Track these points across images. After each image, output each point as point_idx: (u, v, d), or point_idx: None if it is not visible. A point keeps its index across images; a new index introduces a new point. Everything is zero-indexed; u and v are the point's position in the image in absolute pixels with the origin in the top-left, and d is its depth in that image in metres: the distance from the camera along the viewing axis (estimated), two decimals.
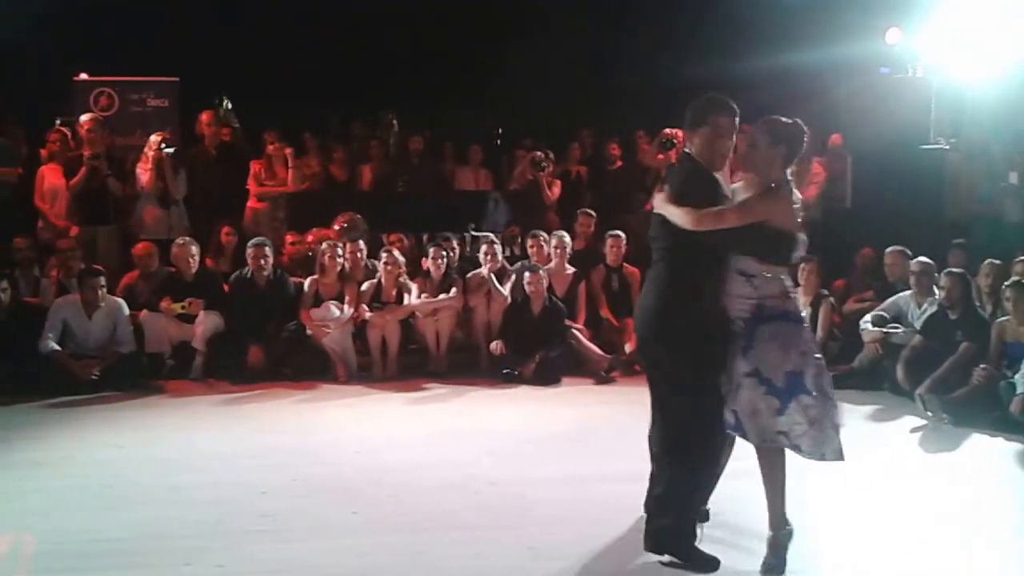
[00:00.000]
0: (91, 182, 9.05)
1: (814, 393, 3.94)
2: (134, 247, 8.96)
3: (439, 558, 4.27)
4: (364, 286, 8.64)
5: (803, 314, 4.18)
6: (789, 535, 4.09)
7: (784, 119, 4.21)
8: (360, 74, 11.72)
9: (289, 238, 9.48)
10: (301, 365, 8.37)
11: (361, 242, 9.00)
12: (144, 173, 9.28)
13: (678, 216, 3.99)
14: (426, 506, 4.93)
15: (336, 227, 9.31)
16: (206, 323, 8.29)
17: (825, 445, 3.98)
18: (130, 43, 10.61)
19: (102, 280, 8.13)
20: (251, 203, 9.93)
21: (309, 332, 8.36)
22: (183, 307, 8.29)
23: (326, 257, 8.56)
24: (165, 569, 4.13)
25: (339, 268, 8.62)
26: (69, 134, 9.59)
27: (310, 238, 9.41)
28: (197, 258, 8.62)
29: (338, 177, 10.57)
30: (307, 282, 8.61)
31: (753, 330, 3.99)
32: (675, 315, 4.05)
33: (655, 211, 4.18)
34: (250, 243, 8.62)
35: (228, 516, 4.77)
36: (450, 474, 5.46)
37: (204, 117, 9.90)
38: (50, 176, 9.32)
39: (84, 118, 9.31)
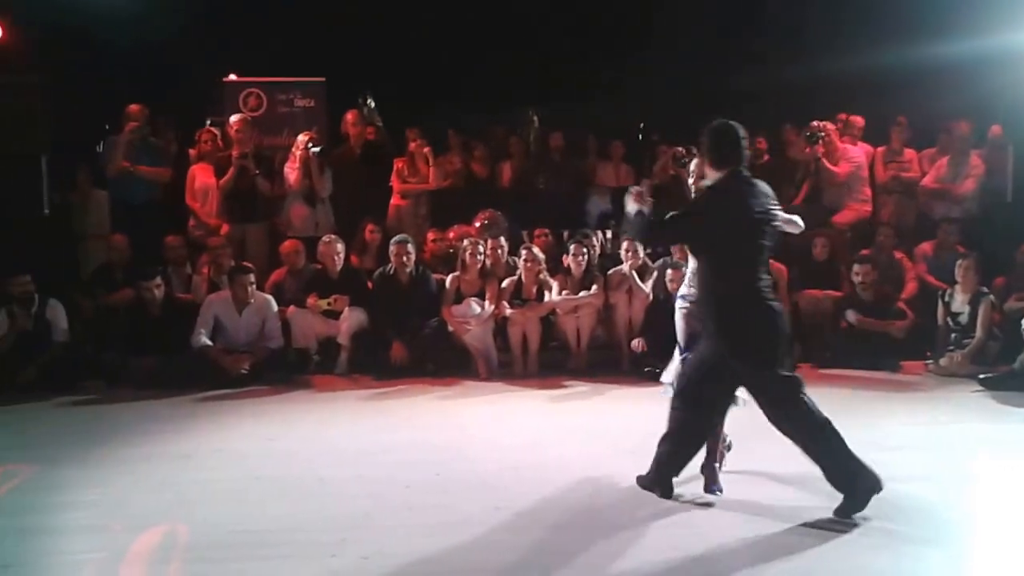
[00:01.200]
0: (240, 181, 9.27)
1: None
2: (282, 244, 9.14)
3: (583, 555, 4.13)
4: (505, 283, 8.58)
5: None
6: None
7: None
8: (502, 71, 11.67)
9: (431, 235, 9.51)
10: (443, 361, 8.37)
11: (502, 239, 8.94)
12: (292, 172, 9.45)
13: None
14: (570, 503, 4.81)
15: (477, 224, 9.29)
16: (351, 319, 8.38)
17: None
18: (278, 44, 10.84)
19: (252, 277, 8.31)
20: (394, 200, 9.99)
21: (451, 329, 8.35)
22: (329, 303, 8.40)
23: (467, 254, 8.54)
24: (312, 560, 4.09)
25: (480, 265, 8.58)
26: (219, 134, 9.85)
27: (451, 235, 9.42)
28: (342, 255, 8.73)
29: (479, 174, 10.54)
30: (448, 279, 8.60)
31: None
32: None
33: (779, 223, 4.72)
34: (393, 240, 8.68)
35: (373, 509, 4.72)
36: (593, 472, 5.31)
37: (349, 116, 10.03)
38: (201, 175, 9.59)
39: (233, 118, 9.55)
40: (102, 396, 7.68)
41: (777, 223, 4.69)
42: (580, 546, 4.23)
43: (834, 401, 7.30)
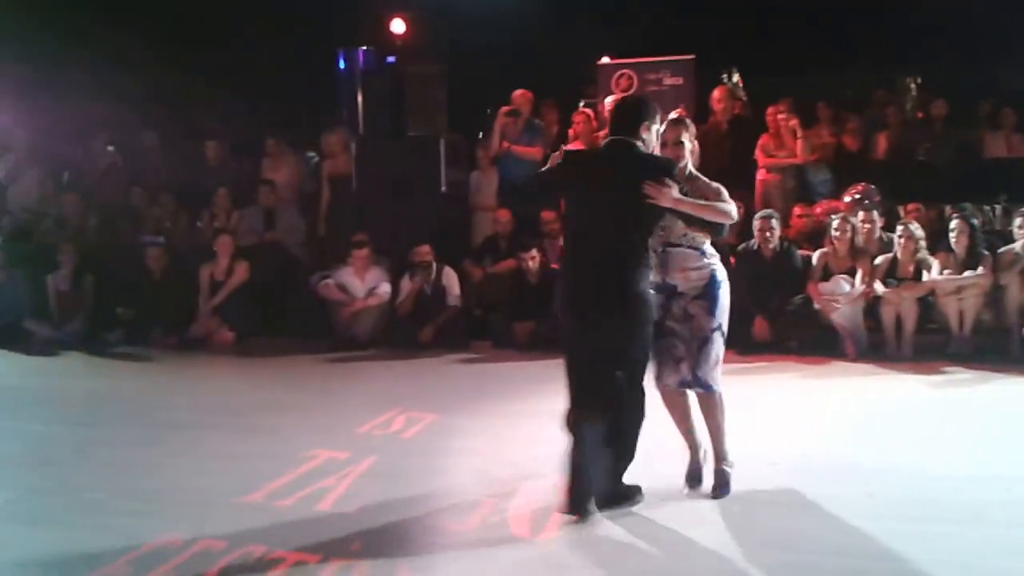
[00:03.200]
0: None
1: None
2: None
3: (952, 552, 3.95)
4: (878, 260, 8.26)
5: None
6: (731, 465, 4.70)
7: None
8: (879, 37, 11.14)
9: (797, 210, 9.35)
10: (808, 339, 8.25)
11: (875, 214, 8.60)
12: (658, 150, 9.68)
13: (722, 210, 4.50)
14: (944, 496, 4.58)
15: (847, 198, 9.00)
16: None
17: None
18: (649, 24, 11.11)
19: None
20: (760, 175, 9.93)
21: (817, 306, 8.20)
22: None
23: (836, 229, 8.32)
24: (684, 525, 4.28)
25: (850, 241, 8.33)
26: (592, 115, 10.31)
27: (818, 210, 9.21)
28: None
29: (850, 147, 10.18)
30: (816, 255, 8.44)
31: (715, 292, 4.58)
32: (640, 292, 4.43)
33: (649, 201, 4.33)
34: (757, 215, 8.66)
35: (736, 483, 4.77)
36: (973, 468, 5.00)
37: (716, 93, 10.08)
38: None
39: (607, 100, 9.96)
40: (488, 355, 8.51)
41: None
42: (953, 544, 4.05)
43: None
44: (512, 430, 5.96)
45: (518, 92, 10.17)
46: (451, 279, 9.05)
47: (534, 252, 8.89)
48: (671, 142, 4.72)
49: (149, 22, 12.10)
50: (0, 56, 11.34)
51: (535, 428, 5.95)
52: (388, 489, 4.83)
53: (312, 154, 11.21)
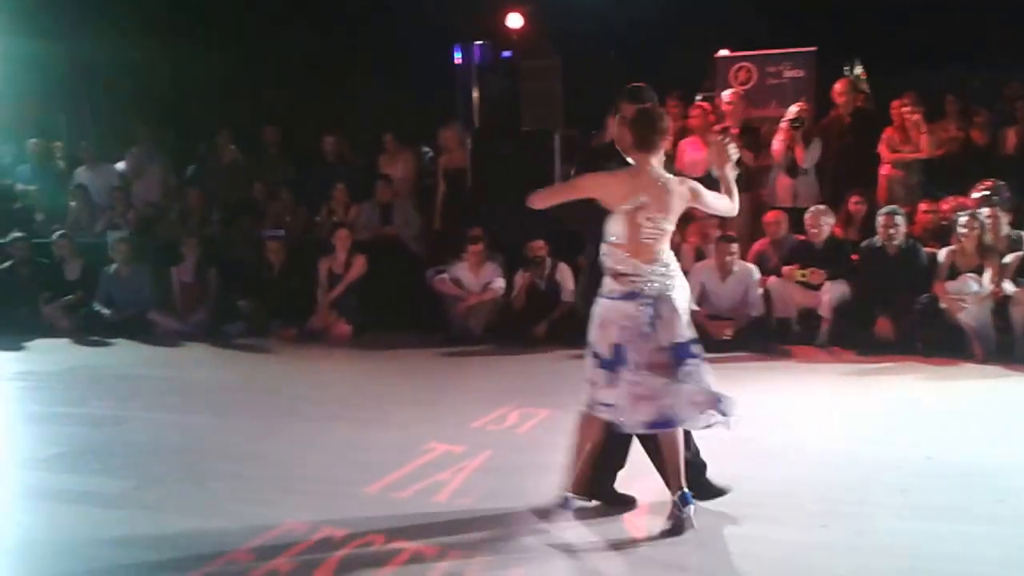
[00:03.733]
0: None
1: (635, 369, 4.12)
2: (764, 215, 9.24)
3: None
4: (1008, 259, 7.92)
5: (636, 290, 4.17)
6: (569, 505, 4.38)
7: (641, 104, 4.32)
8: (1011, 31, 10.63)
9: (923, 206, 9.04)
10: (933, 340, 7.97)
11: (999, 210, 8.24)
12: (777, 143, 9.50)
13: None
14: None
15: (975, 195, 8.65)
16: (832, 292, 8.32)
17: (635, 417, 4.13)
18: (769, 16, 10.86)
19: (735, 246, 8.56)
20: (884, 170, 9.61)
21: (943, 306, 7.91)
22: (803, 275, 8.39)
23: (964, 227, 8.00)
24: (801, 526, 4.21)
25: (978, 239, 8.00)
26: (710, 108, 10.13)
27: (945, 206, 8.88)
28: (828, 227, 8.62)
29: (978, 142, 9.78)
30: (942, 253, 8.15)
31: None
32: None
33: None
34: (880, 211, 8.42)
35: (861, 485, 4.72)
36: None
37: (838, 87, 9.77)
38: (690, 150, 9.94)
39: (726, 94, 9.78)
40: None
41: None
42: None
43: None
44: None
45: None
46: (565, 275, 9.04)
47: None
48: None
49: (263, 20, 12.44)
50: (123, 55, 11.86)
51: None
52: (503, 484, 4.87)
53: (428, 149, 11.34)
